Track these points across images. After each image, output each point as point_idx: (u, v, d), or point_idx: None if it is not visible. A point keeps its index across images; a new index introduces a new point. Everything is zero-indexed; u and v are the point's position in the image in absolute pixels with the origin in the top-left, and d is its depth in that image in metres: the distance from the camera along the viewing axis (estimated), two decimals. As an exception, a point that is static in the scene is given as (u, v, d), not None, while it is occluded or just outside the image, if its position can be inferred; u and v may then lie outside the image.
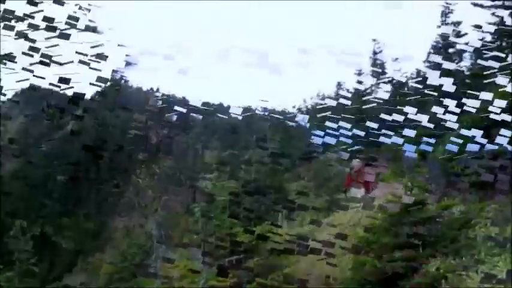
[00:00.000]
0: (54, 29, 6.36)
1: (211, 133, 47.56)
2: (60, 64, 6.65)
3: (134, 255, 29.71)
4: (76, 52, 6.74)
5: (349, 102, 7.79)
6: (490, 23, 22.36)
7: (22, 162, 37.86)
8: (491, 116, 7.39)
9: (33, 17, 6.26)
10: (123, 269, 28.70)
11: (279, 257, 17.35)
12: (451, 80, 7.57)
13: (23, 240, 32.37)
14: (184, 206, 34.86)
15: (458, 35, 29.86)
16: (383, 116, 7.83)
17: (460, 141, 8.19)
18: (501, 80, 7.22)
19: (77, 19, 6.41)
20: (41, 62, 6.66)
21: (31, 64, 6.50)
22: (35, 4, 6.28)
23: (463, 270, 10.01)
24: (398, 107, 7.83)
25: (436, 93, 7.70)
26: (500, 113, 7.25)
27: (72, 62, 6.84)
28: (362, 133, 8.37)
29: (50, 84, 6.78)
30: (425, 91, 7.61)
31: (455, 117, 7.76)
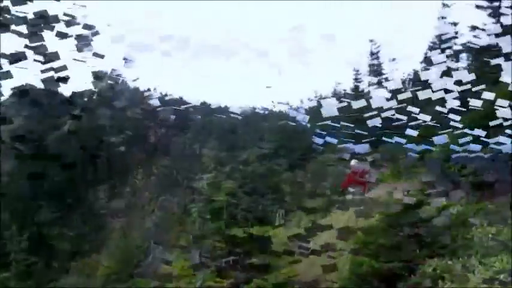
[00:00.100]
0: (51, 28, 6.30)
1: (209, 133, 47.49)
2: (53, 61, 6.54)
3: (131, 256, 29.64)
4: (72, 50, 6.68)
5: (351, 102, 7.65)
6: (486, 24, 22.44)
7: (18, 163, 37.77)
8: (492, 116, 7.35)
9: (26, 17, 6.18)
10: (120, 269, 28.63)
11: (276, 257, 17.34)
12: (452, 79, 7.53)
13: (19, 242, 32.30)
14: (181, 206, 34.80)
15: (455, 35, 29.93)
16: (383, 116, 7.75)
17: (467, 139, 8.11)
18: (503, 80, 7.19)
19: (72, 17, 6.32)
20: (37, 61, 6.62)
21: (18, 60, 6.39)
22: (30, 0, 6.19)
23: (460, 270, 10.01)
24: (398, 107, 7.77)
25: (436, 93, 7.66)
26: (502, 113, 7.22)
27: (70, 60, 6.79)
28: (363, 133, 8.31)
29: (43, 81, 6.68)
30: (424, 90, 7.57)
31: (457, 117, 7.73)
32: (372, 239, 12.87)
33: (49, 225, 36.19)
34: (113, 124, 43.50)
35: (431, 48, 30.97)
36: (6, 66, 6.33)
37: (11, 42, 6.29)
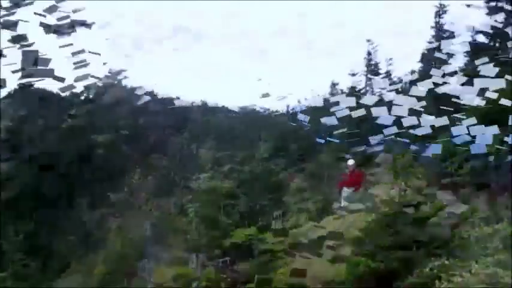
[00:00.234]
0: (48, 26, 6.25)
1: (206, 132, 47.46)
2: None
3: (128, 256, 29.57)
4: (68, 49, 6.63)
5: (353, 101, 7.49)
6: (483, 24, 22.47)
7: (15, 162, 37.67)
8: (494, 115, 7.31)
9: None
10: (116, 270, 28.58)
11: (273, 257, 17.32)
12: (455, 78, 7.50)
13: (16, 241, 32.22)
14: (178, 206, 34.78)
15: (452, 35, 29.99)
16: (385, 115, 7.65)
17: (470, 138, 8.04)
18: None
19: (67, 15, 6.25)
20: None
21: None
22: None
23: (457, 270, 10.02)
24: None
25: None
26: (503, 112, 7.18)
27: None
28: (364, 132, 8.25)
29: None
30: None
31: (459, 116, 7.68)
32: (368, 238, 12.87)
33: (45, 224, 36.12)
34: (109, 123, 43.46)
35: (428, 49, 31.05)
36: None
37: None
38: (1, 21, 5.93)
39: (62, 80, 6.82)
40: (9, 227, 32.19)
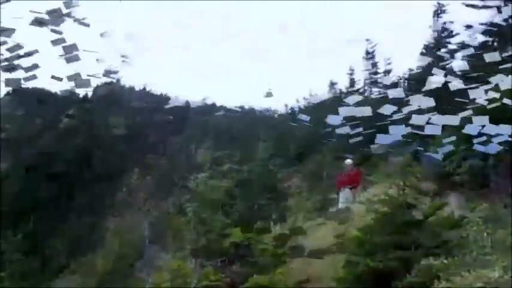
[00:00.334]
0: (41, 23, 6.17)
1: (205, 132, 47.45)
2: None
3: (126, 256, 29.58)
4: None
5: (356, 99, 7.35)
6: (481, 23, 22.51)
7: (15, 162, 37.62)
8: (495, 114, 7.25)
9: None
10: (114, 269, 28.56)
11: (271, 257, 17.29)
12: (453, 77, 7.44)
13: (15, 241, 32.17)
14: (176, 206, 34.76)
15: (451, 34, 30.01)
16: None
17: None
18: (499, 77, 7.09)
19: (61, 12, 6.13)
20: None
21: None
22: None
23: (456, 269, 10.02)
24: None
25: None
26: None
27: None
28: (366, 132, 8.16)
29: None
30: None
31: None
32: (367, 238, 12.87)
33: (45, 224, 36.08)
34: (108, 123, 43.49)
35: (426, 48, 31.10)
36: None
37: None
38: None
39: (59, 79, 6.78)
40: (7, 227, 32.13)
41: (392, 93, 6.67)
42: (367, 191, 20.33)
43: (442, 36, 30.22)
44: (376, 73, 39.71)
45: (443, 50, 29.78)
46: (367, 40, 39.99)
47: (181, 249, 26.63)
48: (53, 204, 37.65)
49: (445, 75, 7.20)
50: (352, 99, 6.81)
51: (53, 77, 6.78)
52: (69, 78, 5.82)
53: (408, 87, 29.49)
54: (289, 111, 51.93)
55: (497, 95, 7.13)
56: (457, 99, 7.74)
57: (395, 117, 6.80)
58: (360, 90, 39.35)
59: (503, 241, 11.09)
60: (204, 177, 34.01)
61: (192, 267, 22.42)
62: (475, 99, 7.04)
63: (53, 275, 33.03)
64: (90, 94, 62.30)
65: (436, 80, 7.00)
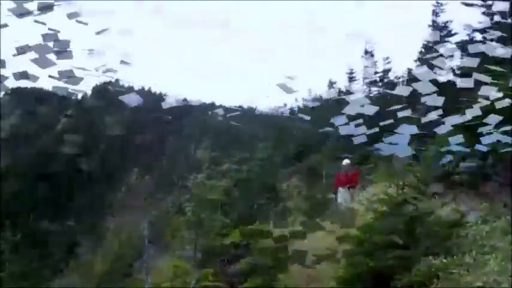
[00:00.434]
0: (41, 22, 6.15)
1: (204, 133, 47.47)
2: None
3: (125, 256, 29.57)
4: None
5: (357, 97, 7.30)
6: (480, 22, 22.51)
7: (13, 161, 37.59)
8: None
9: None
10: (114, 269, 28.56)
11: (271, 257, 17.28)
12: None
13: (14, 241, 32.15)
14: (176, 205, 34.75)
15: (449, 34, 30.02)
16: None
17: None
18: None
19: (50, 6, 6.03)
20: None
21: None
22: None
23: (455, 268, 10.01)
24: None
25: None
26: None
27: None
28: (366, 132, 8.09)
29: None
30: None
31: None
32: (366, 237, 12.85)
33: (44, 224, 36.05)
34: (107, 123, 43.51)
35: (425, 47, 31.12)
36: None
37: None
38: None
39: (58, 79, 6.75)
40: (6, 227, 32.11)
41: (398, 91, 6.57)
42: (366, 190, 20.33)
43: (441, 35, 30.23)
44: (375, 72, 39.75)
45: (441, 49, 29.77)
46: (367, 40, 40.08)
47: (180, 248, 26.60)
48: (52, 204, 37.64)
49: (453, 73, 7.19)
50: (355, 97, 6.78)
51: (51, 76, 6.75)
52: (60, 74, 5.78)
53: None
54: (288, 110, 51.89)
55: (500, 95, 7.11)
56: (460, 98, 7.73)
57: (400, 115, 6.76)
58: (360, 90, 39.37)
59: (503, 240, 11.09)
60: (203, 177, 34.03)
61: (192, 266, 22.43)
62: (477, 98, 7.01)
63: (52, 275, 33.00)
64: (89, 94, 62.31)
65: (440, 78, 6.96)
